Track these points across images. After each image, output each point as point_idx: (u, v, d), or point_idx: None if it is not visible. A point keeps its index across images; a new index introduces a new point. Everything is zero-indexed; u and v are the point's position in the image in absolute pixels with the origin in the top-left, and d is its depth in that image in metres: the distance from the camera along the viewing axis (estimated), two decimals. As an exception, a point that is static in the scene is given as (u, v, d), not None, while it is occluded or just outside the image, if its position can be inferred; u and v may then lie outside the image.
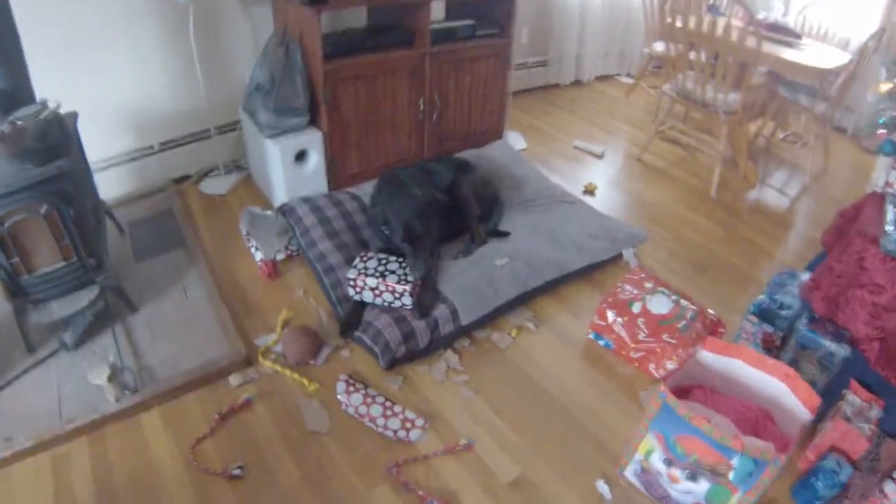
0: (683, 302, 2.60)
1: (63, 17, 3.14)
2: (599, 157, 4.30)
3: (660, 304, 2.58)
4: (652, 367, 2.48)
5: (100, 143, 3.44)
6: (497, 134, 4.18)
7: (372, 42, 3.43)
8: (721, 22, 3.68)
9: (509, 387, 2.43)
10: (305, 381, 2.40)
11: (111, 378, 2.33)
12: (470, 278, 2.75)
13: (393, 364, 2.48)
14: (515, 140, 4.31)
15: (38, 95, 2.49)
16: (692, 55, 3.84)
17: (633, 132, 4.79)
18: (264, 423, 2.25)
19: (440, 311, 2.58)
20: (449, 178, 3.14)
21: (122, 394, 2.30)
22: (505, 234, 3.13)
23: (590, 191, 3.79)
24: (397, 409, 2.29)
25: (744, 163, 4.15)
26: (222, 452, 2.14)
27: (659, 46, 4.92)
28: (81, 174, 2.75)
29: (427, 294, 2.66)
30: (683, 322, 2.52)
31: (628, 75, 5.95)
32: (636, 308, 2.58)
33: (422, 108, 3.70)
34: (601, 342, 2.62)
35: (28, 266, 2.41)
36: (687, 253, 3.29)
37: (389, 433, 2.22)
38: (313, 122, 3.44)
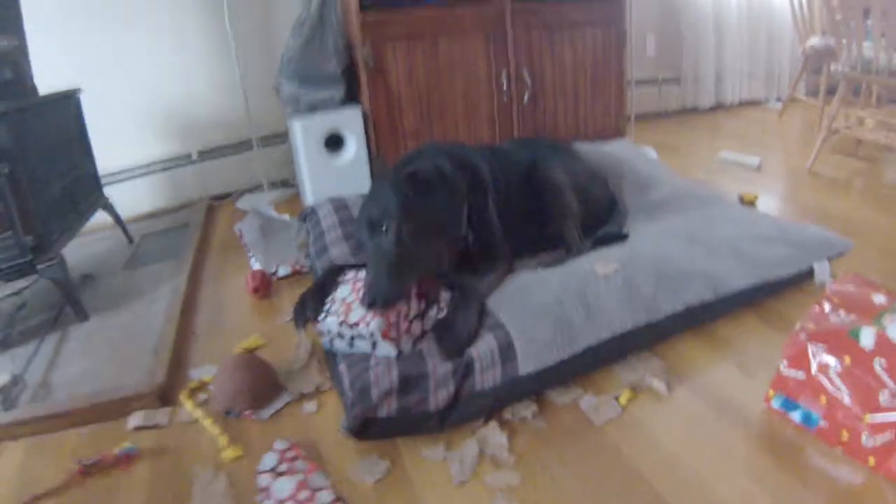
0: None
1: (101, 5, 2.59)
2: (755, 169, 2.86)
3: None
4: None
5: (134, 146, 2.80)
6: (615, 135, 2.84)
7: (429, -4, 2.32)
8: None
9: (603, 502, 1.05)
10: (223, 441, 1.24)
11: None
12: (546, 293, 1.41)
13: (364, 429, 1.18)
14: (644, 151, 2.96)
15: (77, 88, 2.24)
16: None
17: (793, 146, 3.32)
18: (135, 497, 1.17)
19: (480, 345, 1.27)
20: (529, 160, 1.85)
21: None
22: (621, 237, 1.78)
23: (748, 202, 2.36)
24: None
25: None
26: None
27: (816, 40, 3.56)
28: (51, 139, 2.08)
29: (463, 318, 1.35)
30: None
31: (778, 100, 4.44)
32: (867, 339, 1.12)
33: (506, 86, 2.49)
34: (794, 414, 1.18)
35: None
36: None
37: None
38: (356, 101, 2.35)
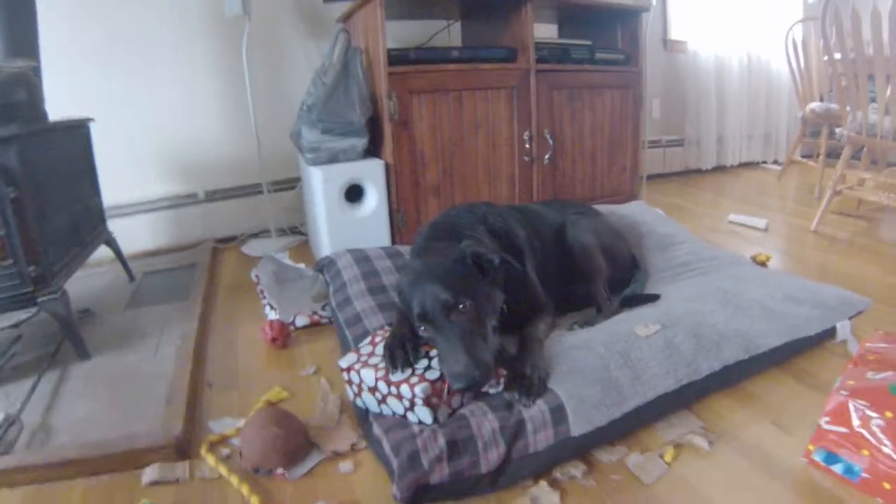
0: None
1: (114, 39, 2.69)
2: (763, 230, 3.00)
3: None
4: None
5: (139, 182, 2.87)
6: (629, 197, 3.00)
7: (457, 53, 2.45)
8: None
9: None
10: (255, 502, 1.21)
11: (-6, 432, 1.41)
12: (591, 357, 1.46)
13: (418, 497, 1.19)
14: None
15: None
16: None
17: (795, 208, 3.50)
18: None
19: (531, 407, 1.31)
20: (558, 221, 1.96)
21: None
22: (652, 298, 1.87)
23: (760, 262, 2.45)
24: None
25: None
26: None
27: (816, 105, 3.83)
28: (59, 167, 2.09)
29: (532, 364, 1.41)
30: None
31: (775, 162, 4.69)
32: (908, 397, 1.22)
33: (528, 145, 2.60)
34: (836, 467, 1.24)
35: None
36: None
37: None
38: (376, 152, 2.44)
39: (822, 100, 3.91)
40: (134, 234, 2.79)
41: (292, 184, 3.05)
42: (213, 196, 2.97)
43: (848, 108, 2.83)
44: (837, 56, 2.76)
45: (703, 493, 1.21)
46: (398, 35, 2.99)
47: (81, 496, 1.28)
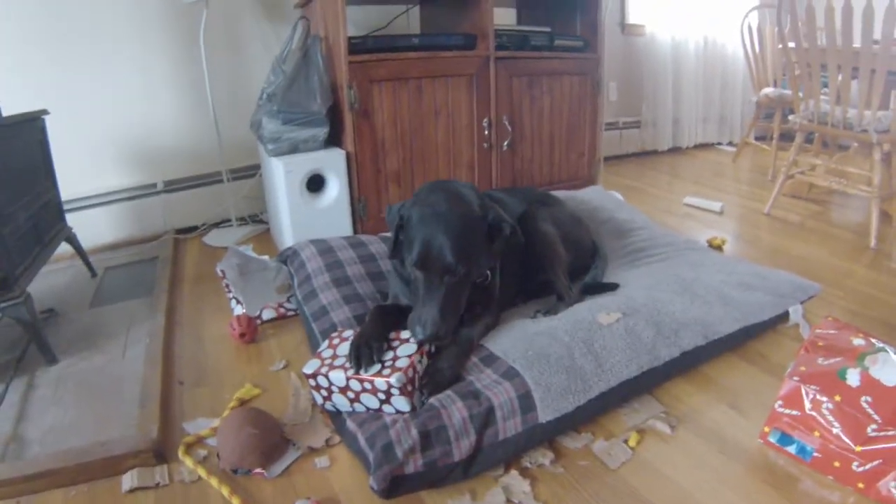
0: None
1: (67, 28, 2.58)
2: (718, 213, 3.09)
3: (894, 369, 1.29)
4: (894, 486, 1.17)
5: (97, 173, 2.77)
6: (587, 181, 3.04)
7: (417, 41, 2.44)
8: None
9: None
10: (236, 503, 1.22)
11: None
12: (556, 343, 1.51)
13: (394, 487, 1.22)
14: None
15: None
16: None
17: (749, 190, 3.60)
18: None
19: (500, 395, 1.35)
20: (519, 210, 1.97)
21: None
22: (611, 287, 1.91)
23: (716, 246, 2.55)
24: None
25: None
26: None
27: (770, 90, 3.95)
28: (16, 164, 2.01)
29: (449, 360, 1.47)
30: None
31: (730, 144, 4.84)
32: (853, 379, 1.28)
33: (487, 132, 2.62)
34: (790, 448, 1.32)
35: None
36: (871, 312, 2.00)
37: None
38: (337, 141, 2.43)
39: (776, 85, 4.03)
40: (93, 228, 2.71)
41: (252, 171, 3.01)
42: (172, 186, 2.90)
43: (801, 96, 2.93)
44: (792, 45, 2.84)
45: (666, 476, 1.27)
46: (356, 19, 2.96)
47: (64, 504, 1.25)
